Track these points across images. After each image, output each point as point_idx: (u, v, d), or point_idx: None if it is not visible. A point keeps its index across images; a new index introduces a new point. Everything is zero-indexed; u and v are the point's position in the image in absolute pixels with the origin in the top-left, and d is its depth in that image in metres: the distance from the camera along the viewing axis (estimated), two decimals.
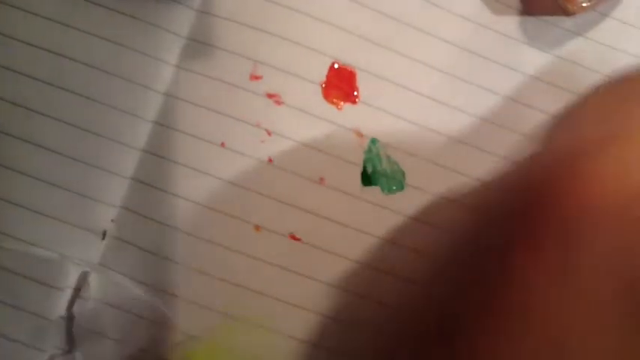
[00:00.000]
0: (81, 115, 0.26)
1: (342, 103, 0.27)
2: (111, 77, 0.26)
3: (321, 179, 0.27)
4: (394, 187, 0.27)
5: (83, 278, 0.25)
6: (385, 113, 0.28)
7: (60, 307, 0.25)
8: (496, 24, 0.29)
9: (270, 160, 0.27)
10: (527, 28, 0.29)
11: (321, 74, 0.27)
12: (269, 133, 0.27)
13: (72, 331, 0.25)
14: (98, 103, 0.26)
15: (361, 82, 0.28)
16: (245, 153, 0.27)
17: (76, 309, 0.25)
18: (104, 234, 0.26)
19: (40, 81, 0.26)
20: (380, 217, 0.27)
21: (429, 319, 0.23)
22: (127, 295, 0.26)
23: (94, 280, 0.26)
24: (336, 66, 0.28)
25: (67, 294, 0.25)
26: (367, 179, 0.27)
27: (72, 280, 0.25)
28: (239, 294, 0.26)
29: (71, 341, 0.25)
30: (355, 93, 0.28)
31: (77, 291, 0.25)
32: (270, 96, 0.27)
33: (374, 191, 0.27)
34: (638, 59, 0.29)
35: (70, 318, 0.25)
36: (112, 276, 0.26)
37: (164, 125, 0.27)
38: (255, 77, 0.27)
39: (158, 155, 0.26)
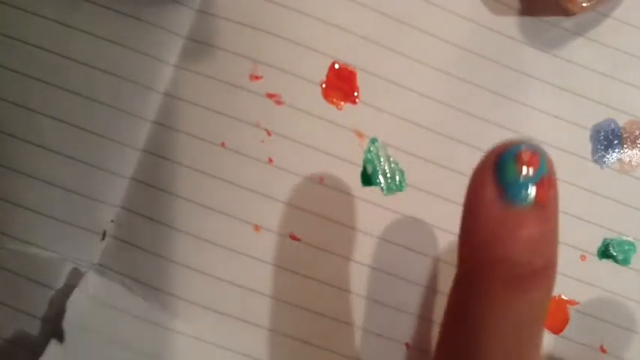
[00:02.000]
0: (81, 115, 0.26)
1: (342, 103, 0.27)
2: (111, 77, 0.26)
3: (321, 179, 0.27)
4: (394, 187, 0.27)
5: (82, 278, 0.25)
6: (385, 113, 0.28)
7: (58, 307, 0.25)
8: (496, 24, 0.29)
9: (270, 160, 0.27)
10: (527, 28, 0.29)
11: (321, 74, 0.27)
12: (269, 133, 0.27)
13: (69, 332, 0.25)
14: (98, 103, 0.26)
15: (361, 82, 0.28)
16: (245, 153, 0.27)
17: (74, 309, 0.25)
18: (104, 234, 0.26)
19: (40, 81, 0.26)
20: (380, 217, 0.27)
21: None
22: (126, 296, 0.26)
23: (93, 280, 0.25)
24: (336, 66, 0.28)
25: (66, 294, 0.25)
26: (367, 179, 0.27)
27: (70, 280, 0.25)
28: (239, 294, 0.26)
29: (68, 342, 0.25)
30: (355, 93, 0.28)
31: (75, 291, 0.25)
32: (270, 96, 0.27)
33: (374, 191, 0.27)
34: (638, 59, 0.29)
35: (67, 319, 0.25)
36: (111, 276, 0.26)
37: (164, 125, 0.27)
38: (255, 77, 0.27)
39: (158, 155, 0.26)
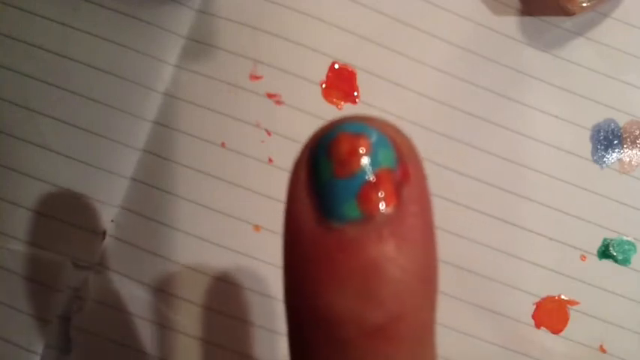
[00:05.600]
0: (81, 115, 0.26)
1: (342, 103, 0.27)
2: (111, 77, 0.26)
3: None
4: None
5: (82, 279, 0.25)
6: (385, 113, 0.28)
7: (58, 307, 0.25)
8: (496, 24, 0.29)
9: (270, 160, 0.27)
10: (527, 28, 0.29)
11: (321, 74, 0.27)
12: (269, 133, 0.27)
13: (69, 332, 0.25)
14: (98, 103, 0.26)
15: (361, 82, 0.28)
16: (245, 153, 0.27)
17: (74, 310, 0.25)
18: (104, 234, 0.26)
19: (41, 81, 0.26)
20: None
21: None
22: (126, 296, 0.26)
23: (93, 280, 0.25)
24: (336, 66, 0.28)
25: (66, 294, 0.25)
26: None
27: (71, 280, 0.25)
28: (239, 294, 0.26)
29: (68, 342, 0.25)
30: (355, 93, 0.28)
31: (76, 291, 0.25)
32: (270, 96, 0.27)
33: None
34: (638, 59, 0.29)
35: (67, 319, 0.25)
36: (111, 276, 0.26)
37: (164, 125, 0.27)
38: (255, 77, 0.27)
39: (158, 155, 0.26)
